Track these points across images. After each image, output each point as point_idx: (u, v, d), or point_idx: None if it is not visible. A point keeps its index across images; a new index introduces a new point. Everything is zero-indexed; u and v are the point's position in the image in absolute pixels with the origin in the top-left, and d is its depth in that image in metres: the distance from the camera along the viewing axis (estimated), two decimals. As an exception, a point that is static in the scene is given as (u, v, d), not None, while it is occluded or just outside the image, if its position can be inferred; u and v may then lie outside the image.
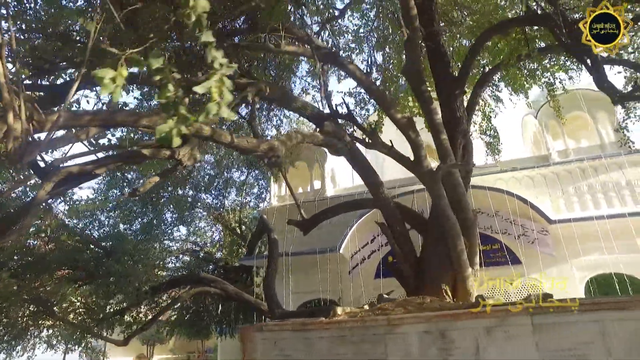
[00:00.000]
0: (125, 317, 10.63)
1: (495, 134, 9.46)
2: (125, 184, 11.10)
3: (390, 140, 7.51)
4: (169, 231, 11.92)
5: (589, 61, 6.55)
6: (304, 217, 8.94)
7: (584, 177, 10.22)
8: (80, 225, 10.74)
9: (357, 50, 8.89)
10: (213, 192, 12.68)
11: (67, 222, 10.28)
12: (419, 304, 5.57)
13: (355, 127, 7.54)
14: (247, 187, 12.58)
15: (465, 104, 8.08)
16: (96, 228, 10.69)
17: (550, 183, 10.45)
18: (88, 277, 9.96)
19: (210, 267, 13.27)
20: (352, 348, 5.02)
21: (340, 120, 7.75)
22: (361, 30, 8.24)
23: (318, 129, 5.91)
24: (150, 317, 10.48)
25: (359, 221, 10.64)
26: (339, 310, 5.85)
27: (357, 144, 7.54)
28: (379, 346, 4.91)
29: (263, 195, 13.47)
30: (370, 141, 7.39)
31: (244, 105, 7.58)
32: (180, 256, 13.21)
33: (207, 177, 12.32)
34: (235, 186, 12.66)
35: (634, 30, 5.84)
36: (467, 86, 8.34)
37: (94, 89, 5.38)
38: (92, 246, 10.01)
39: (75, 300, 10.37)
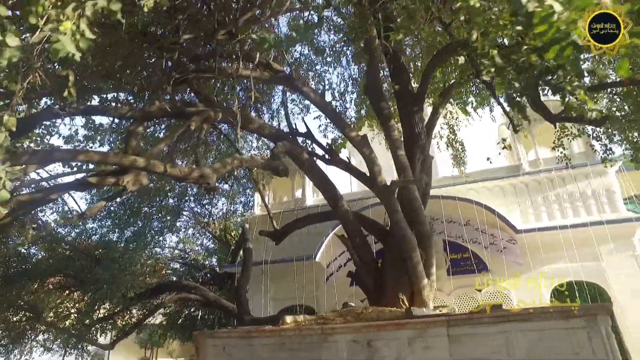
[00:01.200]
0: (116, 322, 11.21)
1: (462, 146, 9.79)
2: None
3: (348, 157, 7.95)
4: (158, 239, 12.51)
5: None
6: (275, 228, 9.41)
7: (552, 187, 10.47)
8: (72, 234, 11.38)
9: (319, 69, 9.32)
10: (201, 201, 13.26)
11: (58, 231, 10.90)
12: (357, 314, 5.97)
13: (314, 145, 7.96)
14: (233, 196, 13.08)
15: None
16: (86, 236, 11.30)
17: (520, 193, 10.72)
18: (78, 284, 10.57)
19: (199, 274, 13.82)
20: (290, 354, 5.45)
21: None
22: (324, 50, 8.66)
23: (271, 149, 6.35)
24: (136, 321, 11.03)
25: (334, 230, 11.04)
26: (288, 319, 6.28)
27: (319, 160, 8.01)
28: (313, 353, 5.33)
29: (251, 204, 13.97)
30: (329, 158, 7.86)
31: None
32: (171, 263, 13.80)
33: (195, 186, 12.85)
34: (222, 195, 13.22)
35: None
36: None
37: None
38: (82, 254, 10.59)
39: (68, 306, 11.00)
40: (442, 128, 10.02)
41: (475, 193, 10.89)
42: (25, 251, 10.19)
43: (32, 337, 11.67)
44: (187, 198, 12.97)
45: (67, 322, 11.20)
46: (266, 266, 11.42)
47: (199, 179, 4.52)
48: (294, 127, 7.58)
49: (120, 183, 4.41)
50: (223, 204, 13.27)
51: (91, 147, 7.08)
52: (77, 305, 11.01)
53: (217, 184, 4.95)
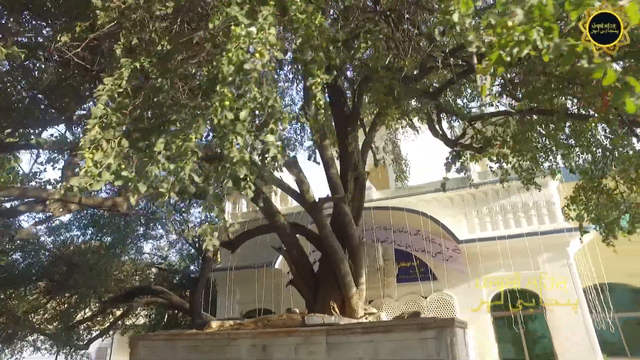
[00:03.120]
0: (94, 324, 12.15)
1: (405, 161, 10.35)
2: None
3: (280, 176, 8.64)
4: (136, 245, 13.41)
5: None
6: (229, 238, 10.18)
7: (497, 199, 10.93)
8: (56, 241, 12.36)
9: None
10: (179, 210, 14.10)
11: (41, 240, 11.90)
12: (267, 320, 6.67)
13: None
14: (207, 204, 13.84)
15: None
16: (65, 244, 12.25)
17: (467, 204, 11.21)
18: (58, 289, 11.53)
19: (176, 278, 14.69)
20: (202, 355, 6.20)
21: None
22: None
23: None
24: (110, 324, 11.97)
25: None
26: (213, 324, 7.03)
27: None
28: (220, 355, 6.06)
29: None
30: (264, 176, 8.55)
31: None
32: (150, 269, 14.71)
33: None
34: (197, 204, 14.02)
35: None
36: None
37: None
38: (61, 260, 11.55)
39: (50, 310, 11.96)
40: (386, 144, 10.60)
41: (426, 204, 11.42)
42: (5, 258, 11.17)
43: (21, 337, 12.66)
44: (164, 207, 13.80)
45: (50, 326, 12.14)
46: (232, 272, 12.19)
47: (111, 206, 5.29)
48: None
49: (47, 210, 5.21)
50: (199, 212, 14.09)
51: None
52: (57, 308, 11.95)
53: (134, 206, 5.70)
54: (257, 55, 2.41)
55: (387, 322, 5.38)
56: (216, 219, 3.77)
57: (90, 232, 13.08)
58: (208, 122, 3.19)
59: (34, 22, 5.69)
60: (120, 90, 3.40)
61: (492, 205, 10.90)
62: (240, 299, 12.47)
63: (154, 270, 14.98)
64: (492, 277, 10.31)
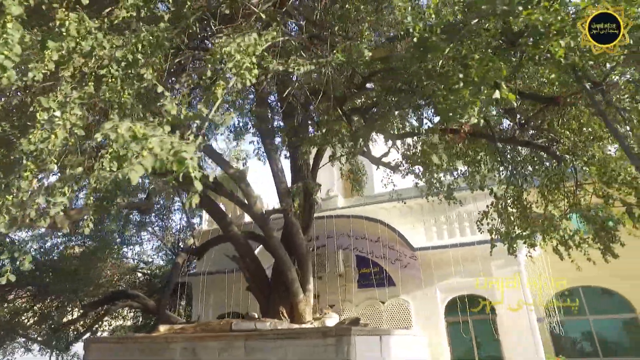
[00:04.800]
0: (76, 326, 12.92)
1: (361, 172, 10.82)
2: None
3: (239, 189, 9.20)
4: (119, 251, 14.14)
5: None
6: (195, 245, 10.81)
7: (454, 207, 11.30)
8: (41, 248, 13.16)
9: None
10: (162, 217, 14.81)
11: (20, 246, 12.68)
12: (206, 325, 7.25)
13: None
14: (187, 212, 14.56)
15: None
16: (47, 251, 13.03)
17: (426, 212, 11.62)
18: (42, 294, 12.31)
19: (158, 282, 15.38)
20: (144, 357, 6.81)
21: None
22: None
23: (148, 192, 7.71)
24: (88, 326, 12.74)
25: (259, 247, 12.30)
26: (161, 328, 7.64)
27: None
28: (159, 356, 6.67)
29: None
30: (216, 189, 9.14)
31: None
32: (134, 273, 15.45)
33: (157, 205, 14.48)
34: (177, 211, 14.72)
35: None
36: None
37: None
38: (44, 267, 12.33)
39: (38, 313, 12.75)
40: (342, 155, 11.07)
41: (386, 212, 11.87)
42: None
43: (11, 339, 13.46)
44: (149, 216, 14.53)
45: (38, 327, 12.94)
46: (205, 277, 12.82)
47: (52, 224, 5.92)
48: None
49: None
50: (180, 219, 14.78)
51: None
52: (43, 312, 12.73)
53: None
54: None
55: (296, 329, 5.90)
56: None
57: (74, 238, 13.83)
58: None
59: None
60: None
61: (449, 213, 11.29)
62: (214, 302, 13.08)
63: (139, 274, 15.73)
64: (446, 284, 10.71)
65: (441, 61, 2.57)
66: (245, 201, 8.65)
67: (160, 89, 2.45)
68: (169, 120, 2.38)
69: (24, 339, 13.85)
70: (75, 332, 12.72)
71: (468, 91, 2.37)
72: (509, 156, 6.68)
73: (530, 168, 6.99)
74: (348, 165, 11.25)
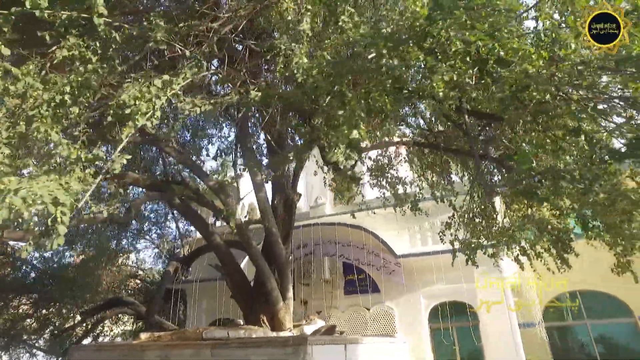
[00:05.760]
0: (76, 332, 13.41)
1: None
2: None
3: (220, 200, 9.48)
4: (117, 258, 14.63)
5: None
6: (184, 254, 11.15)
7: (438, 214, 11.41)
8: (42, 257, 13.72)
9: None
10: (159, 225, 15.28)
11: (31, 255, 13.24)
12: (182, 333, 7.54)
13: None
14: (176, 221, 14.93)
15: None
16: (47, 259, 13.58)
17: (410, 219, 11.74)
18: (45, 300, 12.83)
19: (153, 288, 15.83)
20: (121, 363, 7.13)
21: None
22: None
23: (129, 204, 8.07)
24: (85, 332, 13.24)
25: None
26: (142, 335, 7.96)
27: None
28: (135, 363, 6.97)
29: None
30: (198, 200, 9.46)
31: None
32: (135, 280, 15.95)
33: (153, 214, 15.00)
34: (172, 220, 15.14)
35: None
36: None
37: None
38: (45, 274, 12.86)
39: (40, 320, 13.29)
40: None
41: (372, 219, 12.02)
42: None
43: (16, 345, 14.02)
44: (146, 223, 15.00)
45: (41, 332, 13.48)
46: (198, 284, 13.16)
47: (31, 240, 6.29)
48: (170, 176, 9.26)
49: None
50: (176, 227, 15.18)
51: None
52: (46, 318, 13.27)
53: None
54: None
55: (259, 338, 6.14)
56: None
57: (75, 247, 14.35)
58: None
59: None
60: None
61: (433, 220, 11.39)
62: (206, 309, 13.42)
63: (138, 281, 16.21)
64: (429, 290, 10.83)
65: (327, 98, 2.80)
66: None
67: (55, 138, 2.73)
68: (69, 161, 2.65)
69: (29, 343, 14.38)
70: (75, 338, 13.18)
71: (344, 129, 2.60)
72: (471, 167, 6.83)
73: (496, 179, 7.12)
74: (330, 174, 11.49)
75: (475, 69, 2.99)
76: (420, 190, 8.04)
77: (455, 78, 2.85)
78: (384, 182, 8.22)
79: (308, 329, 8.96)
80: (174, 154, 8.76)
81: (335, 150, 2.60)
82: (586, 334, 12.27)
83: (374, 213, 10.97)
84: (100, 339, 15.47)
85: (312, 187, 14.03)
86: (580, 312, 12.55)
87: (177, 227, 11.59)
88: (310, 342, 5.69)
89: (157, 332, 10.29)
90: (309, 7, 3.36)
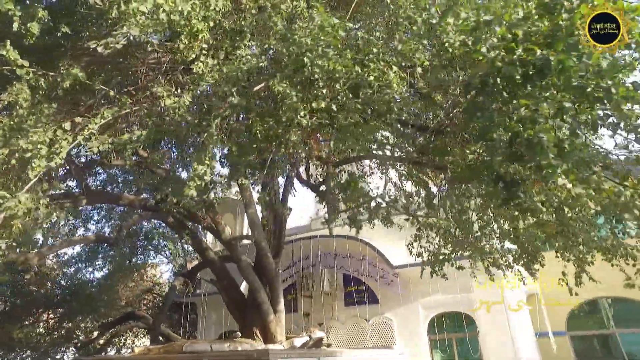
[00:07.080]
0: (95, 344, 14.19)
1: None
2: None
3: (209, 217, 9.85)
4: (134, 274, 15.39)
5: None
6: (186, 269, 11.60)
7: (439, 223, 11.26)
8: (65, 275, 14.67)
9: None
10: (175, 241, 15.91)
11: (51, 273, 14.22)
12: (170, 346, 7.86)
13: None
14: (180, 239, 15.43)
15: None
16: (69, 276, 14.47)
17: (409, 229, 11.63)
18: (67, 315, 13.70)
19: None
20: (113, 377, 7.54)
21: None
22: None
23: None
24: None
25: (251, 267, 12.89)
26: (136, 349, 8.38)
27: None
28: (123, 377, 7.36)
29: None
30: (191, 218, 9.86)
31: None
32: (151, 294, 16.67)
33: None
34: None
35: None
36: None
37: None
38: (66, 290, 13.74)
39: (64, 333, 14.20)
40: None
41: (370, 230, 12.01)
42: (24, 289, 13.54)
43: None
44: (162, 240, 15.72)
45: (67, 344, 14.37)
46: (208, 297, 13.61)
47: (24, 261, 6.87)
48: (162, 196, 9.74)
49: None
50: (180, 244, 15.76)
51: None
52: (69, 331, 14.15)
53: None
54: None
55: (228, 352, 6.34)
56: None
57: (94, 264, 15.24)
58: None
59: None
60: None
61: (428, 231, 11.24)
62: (215, 321, 13.81)
63: (155, 295, 16.91)
64: (427, 301, 10.68)
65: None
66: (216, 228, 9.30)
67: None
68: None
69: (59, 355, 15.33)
70: (94, 349, 13.94)
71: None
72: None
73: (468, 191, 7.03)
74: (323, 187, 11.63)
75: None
76: (394, 203, 8.03)
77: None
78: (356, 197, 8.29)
79: (298, 342, 9.07)
80: (165, 174, 9.24)
81: (189, 183, 2.82)
82: (615, 342, 11.58)
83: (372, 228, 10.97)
84: (123, 351, 16.23)
85: (313, 199, 14.23)
86: (607, 321, 11.87)
87: (181, 243, 12.08)
88: (273, 355, 5.84)
89: (162, 344, 10.79)
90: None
